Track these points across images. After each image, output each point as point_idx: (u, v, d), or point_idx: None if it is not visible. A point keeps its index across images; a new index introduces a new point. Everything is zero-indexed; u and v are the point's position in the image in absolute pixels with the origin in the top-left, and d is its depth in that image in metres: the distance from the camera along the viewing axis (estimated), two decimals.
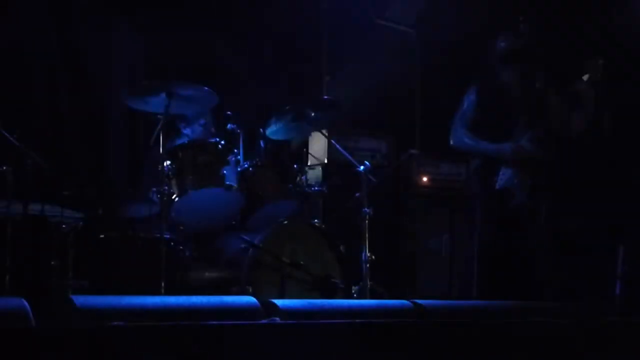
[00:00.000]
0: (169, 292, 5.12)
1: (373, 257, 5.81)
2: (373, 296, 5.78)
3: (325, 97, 7.18)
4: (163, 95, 5.45)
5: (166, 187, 5.45)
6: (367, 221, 5.88)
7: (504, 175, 5.80)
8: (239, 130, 5.97)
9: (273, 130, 6.08)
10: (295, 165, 6.06)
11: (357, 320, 3.68)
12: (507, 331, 4.01)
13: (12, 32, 6.36)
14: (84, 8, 6.73)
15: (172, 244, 5.49)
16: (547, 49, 5.86)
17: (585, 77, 5.70)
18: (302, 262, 5.49)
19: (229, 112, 6.06)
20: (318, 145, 7.13)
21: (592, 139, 6.57)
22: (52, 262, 5.19)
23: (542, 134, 5.79)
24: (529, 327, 4.10)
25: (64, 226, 5.30)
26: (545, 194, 5.89)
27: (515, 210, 5.80)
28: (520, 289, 5.59)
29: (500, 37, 5.92)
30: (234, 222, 5.89)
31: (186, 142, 5.96)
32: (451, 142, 6.02)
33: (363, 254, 5.83)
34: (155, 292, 5.09)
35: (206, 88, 5.52)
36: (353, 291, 5.68)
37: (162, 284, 5.15)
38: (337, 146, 6.34)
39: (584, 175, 6.94)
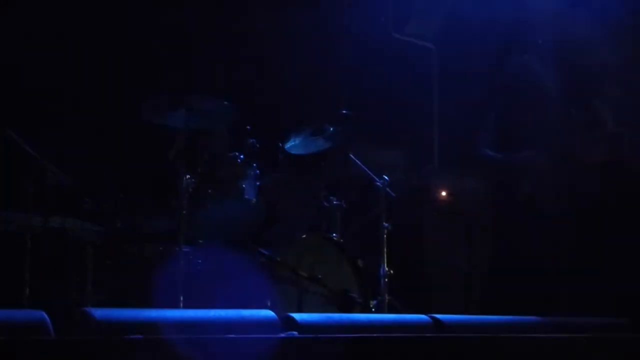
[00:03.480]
0: (188, 305, 5.13)
1: (391, 271, 5.81)
2: (391, 311, 5.77)
3: (344, 111, 7.19)
4: (182, 110, 5.48)
5: (185, 201, 5.47)
6: (385, 235, 5.88)
7: (525, 188, 5.80)
8: (258, 144, 5.99)
9: (292, 145, 6.10)
10: (314, 180, 6.07)
11: (374, 335, 3.68)
12: (525, 347, 3.99)
13: (33, 47, 6.41)
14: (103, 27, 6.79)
15: (190, 257, 5.50)
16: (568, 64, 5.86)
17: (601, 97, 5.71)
18: (320, 276, 5.50)
19: (248, 127, 6.08)
20: (337, 158, 7.13)
21: (613, 156, 6.56)
22: (71, 276, 5.21)
23: (563, 151, 5.78)
24: (547, 343, 4.09)
25: (83, 239, 5.33)
26: (566, 207, 5.87)
27: (536, 223, 5.79)
28: (541, 304, 5.57)
29: (521, 58, 5.92)
30: (252, 236, 5.90)
31: (206, 155, 5.97)
32: (474, 159, 6.03)
33: (381, 269, 5.83)
34: (174, 306, 5.10)
35: (225, 102, 5.55)
36: (371, 305, 5.68)
37: (181, 298, 5.17)
38: (356, 160, 6.35)
39: (607, 191, 6.91)
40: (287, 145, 6.08)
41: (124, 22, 6.90)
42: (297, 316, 3.62)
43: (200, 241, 5.74)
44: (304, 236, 5.72)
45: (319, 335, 3.52)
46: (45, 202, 5.22)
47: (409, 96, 8.04)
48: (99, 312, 3.23)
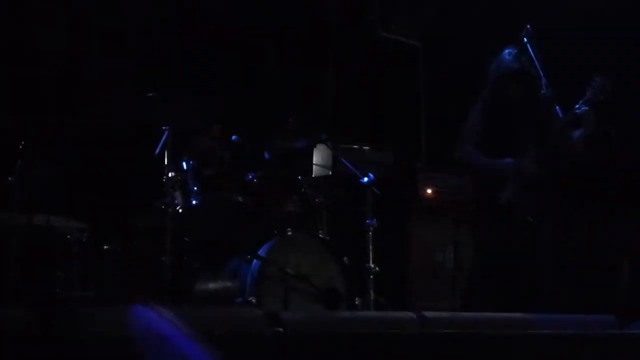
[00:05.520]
0: (174, 303, 5.13)
1: (377, 268, 5.82)
2: (377, 308, 5.78)
3: (331, 109, 7.21)
4: (168, 106, 5.47)
5: (171, 198, 5.47)
6: (371, 233, 5.89)
7: (507, 191, 5.80)
8: (243, 142, 5.99)
9: (278, 142, 6.10)
10: (299, 177, 6.07)
11: (360, 332, 3.69)
12: (510, 343, 4.01)
13: (20, 40, 6.39)
14: (90, 17, 6.77)
15: (176, 255, 5.50)
16: (552, 65, 5.85)
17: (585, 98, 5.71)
18: (306, 274, 5.50)
19: (233, 123, 6.09)
20: (323, 156, 7.14)
21: (597, 156, 6.59)
22: (58, 273, 5.21)
23: (547, 152, 5.79)
24: (532, 339, 4.10)
25: (69, 237, 5.33)
26: (548, 208, 5.89)
27: (519, 225, 5.80)
28: (524, 302, 5.58)
29: (505, 53, 5.92)
30: (238, 234, 5.90)
31: (192, 152, 5.98)
32: (456, 158, 6.04)
33: (367, 266, 5.83)
34: (160, 303, 5.10)
35: (211, 99, 5.55)
36: (357, 303, 5.68)
37: (167, 295, 5.17)
38: (342, 158, 6.35)
39: (589, 190, 6.94)
40: (273, 143, 6.08)
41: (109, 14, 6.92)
42: (282, 313, 3.62)
43: (186, 238, 5.75)
44: (290, 233, 5.73)
45: (305, 333, 3.53)
46: (31, 200, 5.21)
47: (395, 94, 8.06)
48: (86, 310, 3.24)
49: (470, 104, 6.05)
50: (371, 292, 5.78)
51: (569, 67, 6.37)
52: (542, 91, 5.67)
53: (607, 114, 5.90)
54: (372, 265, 5.82)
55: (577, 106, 5.71)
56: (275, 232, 5.72)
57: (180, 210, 5.63)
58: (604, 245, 6.87)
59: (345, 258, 5.75)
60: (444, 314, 4.38)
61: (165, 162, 5.48)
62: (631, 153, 6.96)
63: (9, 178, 5.15)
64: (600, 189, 6.93)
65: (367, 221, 5.92)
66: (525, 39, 5.78)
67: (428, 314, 4.07)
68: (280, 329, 3.50)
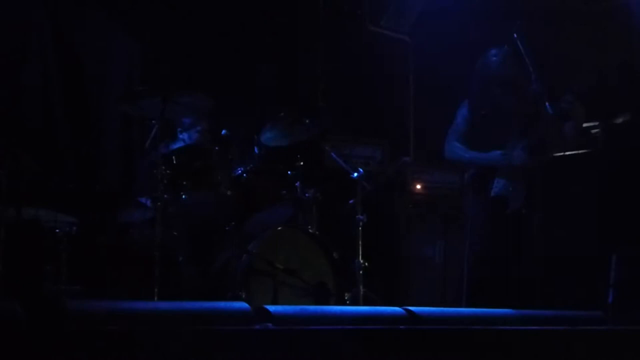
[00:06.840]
0: (163, 297, 5.12)
1: (366, 264, 5.83)
2: (366, 303, 5.79)
3: (320, 104, 7.20)
4: (158, 100, 5.45)
5: (160, 192, 5.45)
6: (360, 228, 5.89)
7: (498, 184, 5.80)
8: (233, 136, 5.98)
9: (267, 137, 6.09)
10: (289, 172, 6.06)
11: (349, 327, 3.69)
12: (499, 339, 4.01)
13: (6, 34, 6.36)
14: (81, 11, 6.75)
15: (165, 249, 5.48)
16: (539, 60, 5.85)
17: (573, 91, 5.71)
18: (295, 269, 5.50)
19: (223, 118, 6.07)
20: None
21: (586, 148, 6.61)
22: (46, 267, 5.19)
23: (536, 144, 5.79)
24: (521, 335, 4.11)
25: (57, 231, 5.31)
26: (538, 202, 5.89)
27: (508, 218, 5.80)
28: (512, 297, 5.59)
29: (492, 53, 5.91)
30: (228, 228, 5.89)
31: (181, 147, 5.96)
32: (444, 156, 6.04)
33: (356, 261, 5.84)
34: (149, 298, 5.09)
35: (201, 94, 5.53)
36: (346, 298, 5.68)
37: (156, 290, 5.15)
38: (332, 153, 6.35)
39: (577, 183, 6.95)
40: (263, 137, 6.07)
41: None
42: (271, 308, 3.61)
43: (176, 233, 5.73)
44: (280, 228, 5.72)
45: (294, 328, 3.52)
46: (18, 193, 5.19)
47: (384, 88, 8.06)
48: (73, 304, 3.22)
49: (458, 100, 6.06)
50: (360, 287, 5.79)
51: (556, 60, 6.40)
52: (532, 86, 5.68)
53: (597, 106, 5.92)
54: (362, 260, 5.83)
55: (563, 98, 5.71)
56: (265, 226, 5.71)
57: (170, 204, 5.60)
58: (593, 239, 6.88)
59: (334, 253, 5.75)
60: (434, 310, 4.37)
61: (155, 156, 5.46)
62: (618, 146, 6.99)
63: None
64: (590, 181, 6.94)
65: (357, 216, 5.92)
66: (515, 35, 5.78)
67: (417, 309, 4.07)
68: (270, 324, 3.50)
